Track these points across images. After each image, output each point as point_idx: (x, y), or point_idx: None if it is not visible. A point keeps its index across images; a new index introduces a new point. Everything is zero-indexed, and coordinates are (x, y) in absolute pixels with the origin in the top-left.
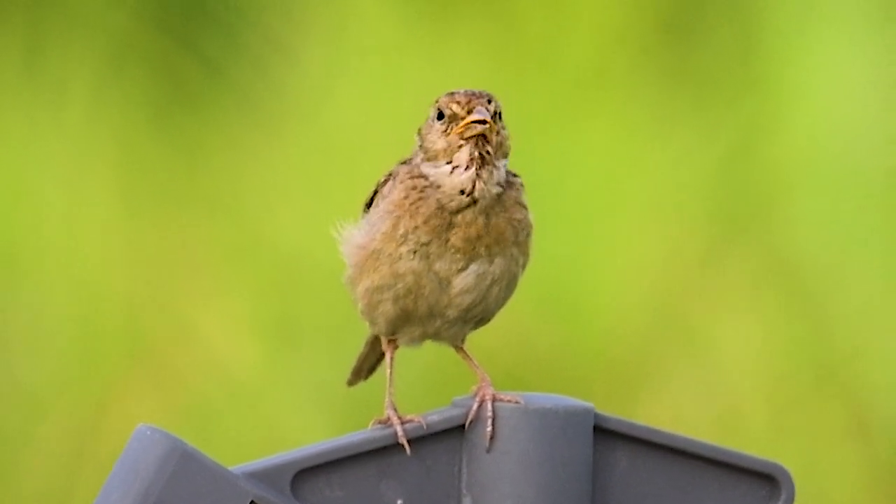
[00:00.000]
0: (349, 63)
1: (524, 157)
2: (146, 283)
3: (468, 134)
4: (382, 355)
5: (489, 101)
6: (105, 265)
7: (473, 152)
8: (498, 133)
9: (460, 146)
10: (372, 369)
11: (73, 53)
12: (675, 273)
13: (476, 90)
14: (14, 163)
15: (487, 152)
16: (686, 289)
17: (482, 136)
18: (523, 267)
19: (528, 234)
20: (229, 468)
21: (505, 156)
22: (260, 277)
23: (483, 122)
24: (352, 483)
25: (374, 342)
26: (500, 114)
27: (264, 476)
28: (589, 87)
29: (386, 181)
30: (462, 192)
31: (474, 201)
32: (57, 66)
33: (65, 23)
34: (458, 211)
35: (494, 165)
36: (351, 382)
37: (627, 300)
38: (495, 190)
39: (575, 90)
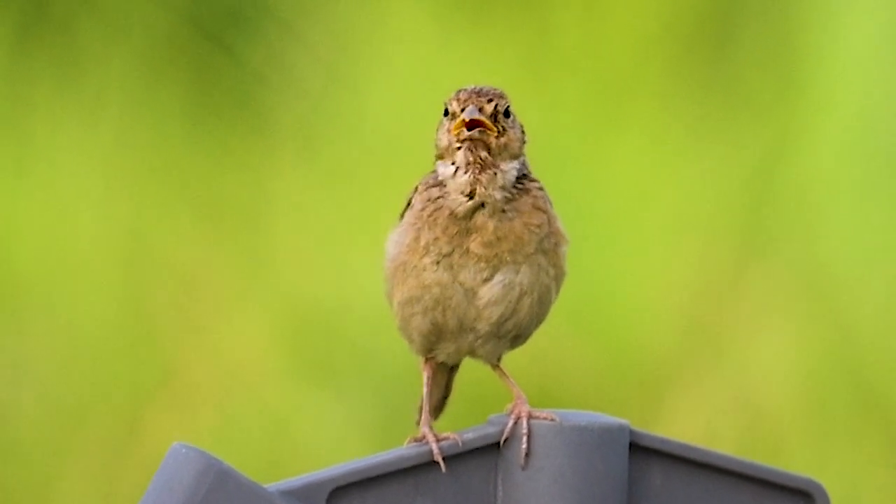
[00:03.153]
0: (385, 73)
1: (555, 167)
2: (175, 300)
3: (462, 137)
4: (447, 390)
5: (489, 100)
6: (135, 282)
7: (468, 156)
8: (501, 134)
9: (458, 147)
10: (439, 407)
11: (107, 66)
12: (708, 287)
13: (482, 87)
14: (45, 179)
15: (483, 156)
16: (719, 303)
17: (479, 140)
18: (556, 280)
19: (557, 244)
20: (265, 486)
21: (513, 157)
22: (291, 295)
23: (474, 123)
24: (387, 500)
25: (434, 377)
26: (505, 112)
27: (300, 494)
28: (621, 97)
29: (415, 191)
30: (464, 194)
31: (482, 204)
32: (92, 80)
33: (99, 36)
34: (468, 216)
35: (497, 168)
36: (420, 421)
37: (660, 314)
38: (500, 194)
39: (607, 100)
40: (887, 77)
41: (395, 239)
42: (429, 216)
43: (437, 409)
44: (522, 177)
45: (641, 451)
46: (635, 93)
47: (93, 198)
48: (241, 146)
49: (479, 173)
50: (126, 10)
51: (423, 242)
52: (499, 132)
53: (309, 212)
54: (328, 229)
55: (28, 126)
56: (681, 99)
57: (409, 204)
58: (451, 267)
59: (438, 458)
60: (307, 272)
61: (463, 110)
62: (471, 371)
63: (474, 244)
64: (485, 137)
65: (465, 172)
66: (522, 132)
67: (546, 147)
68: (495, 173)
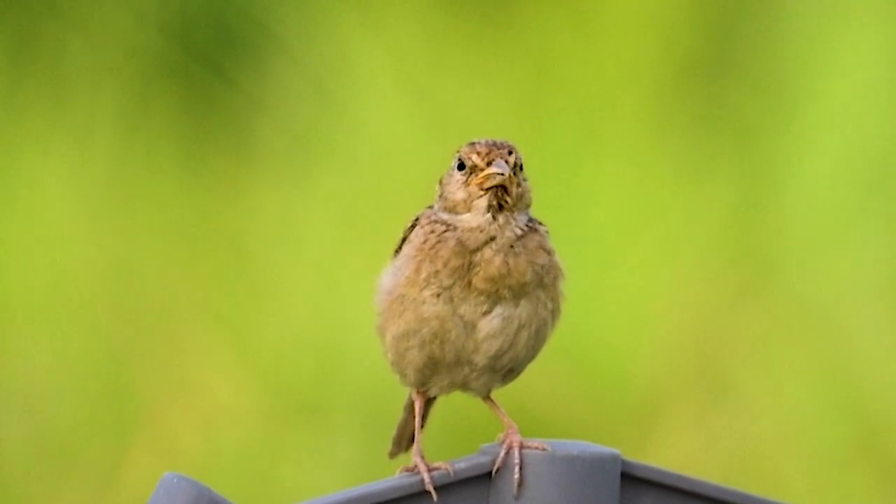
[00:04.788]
0: (380, 98)
1: (546, 196)
2: (164, 331)
3: (487, 185)
4: (423, 421)
5: (510, 153)
6: (123, 312)
7: (492, 201)
8: (518, 185)
9: (479, 196)
10: (412, 438)
11: (99, 92)
12: (701, 317)
13: (498, 140)
14: (35, 206)
15: (505, 202)
16: (712, 333)
17: (501, 188)
18: (553, 314)
19: (556, 278)
20: None
21: (526, 207)
22: (283, 325)
23: (501, 174)
24: None
25: (410, 406)
26: (520, 165)
27: None
28: (613, 126)
29: (413, 226)
30: (478, 229)
31: (491, 238)
32: (83, 106)
33: (91, 63)
34: (477, 249)
35: (513, 216)
36: (393, 454)
37: (652, 345)
38: (511, 233)
39: (599, 129)
40: (878, 108)
41: (391, 272)
42: (430, 249)
43: (410, 439)
44: (530, 221)
45: (633, 480)
46: (628, 123)
47: (82, 226)
48: (234, 173)
49: (497, 214)
50: (117, 36)
51: (423, 275)
52: (518, 183)
53: (302, 241)
54: (322, 259)
55: (18, 152)
56: (673, 130)
57: (404, 238)
58: (452, 300)
59: (430, 488)
60: (301, 303)
61: (489, 164)
62: (461, 401)
63: (477, 278)
64: (510, 187)
65: (484, 215)
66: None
67: (537, 176)
68: (510, 219)
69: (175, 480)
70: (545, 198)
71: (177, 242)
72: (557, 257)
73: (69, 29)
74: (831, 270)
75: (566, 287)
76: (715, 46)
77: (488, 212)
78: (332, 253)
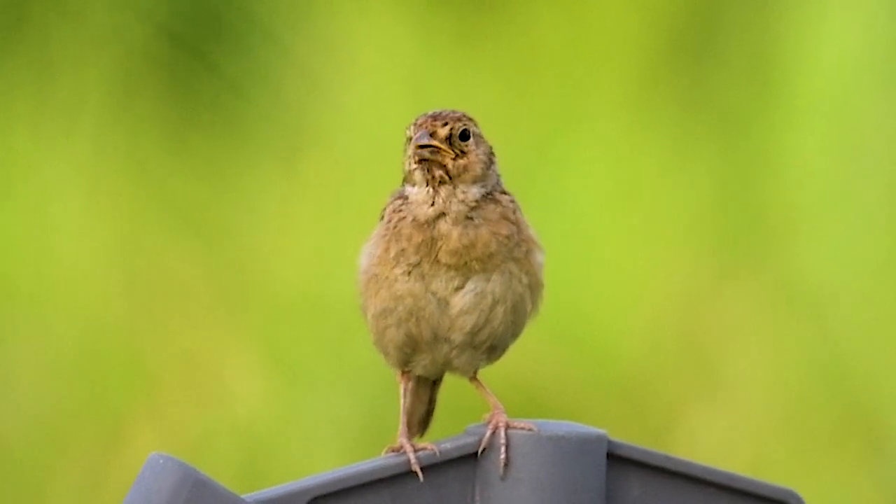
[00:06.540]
0: (366, 85)
1: (535, 178)
2: (155, 311)
3: (416, 159)
4: (430, 405)
5: (445, 124)
6: (114, 294)
7: (426, 175)
8: (459, 157)
9: (415, 169)
10: (424, 422)
11: (84, 76)
12: (688, 297)
13: (442, 111)
14: (25, 191)
15: (440, 175)
16: (699, 313)
17: (433, 161)
18: (531, 289)
19: (529, 251)
20: (242, 496)
21: (475, 180)
22: (271, 304)
23: (424, 146)
24: None
25: (416, 391)
26: (464, 135)
27: None
28: (603, 109)
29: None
30: (424, 203)
31: (442, 213)
32: (69, 91)
33: (77, 46)
34: (430, 223)
35: (456, 187)
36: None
37: (639, 325)
38: (458, 207)
39: (588, 112)
40: (863, 91)
41: (367, 251)
42: (394, 227)
43: (422, 423)
44: (489, 194)
45: (619, 461)
46: (614, 103)
47: (73, 210)
48: (220, 157)
49: (438, 187)
50: (102, 22)
51: (392, 253)
52: (456, 154)
53: (289, 223)
54: (307, 239)
55: (6, 137)
56: (659, 110)
57: (382, 218)
58: (423, 277)
59: (416, 468)
60: (286, 282)
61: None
62: (449, 381)
63: (441, 253)
64: (439, 158)
65: (425, 188)
66: (489, 154)
67: (526, 159)
68: (453, 191)
69: (161, 461)
70: (530, 177)
71: (164, 226)
72: (531, 231)
73: (54, 13)
74: (816, 250)
75: (555, 266)
76: (700, 27)
77: (427, 185)
78: (320, 239)
